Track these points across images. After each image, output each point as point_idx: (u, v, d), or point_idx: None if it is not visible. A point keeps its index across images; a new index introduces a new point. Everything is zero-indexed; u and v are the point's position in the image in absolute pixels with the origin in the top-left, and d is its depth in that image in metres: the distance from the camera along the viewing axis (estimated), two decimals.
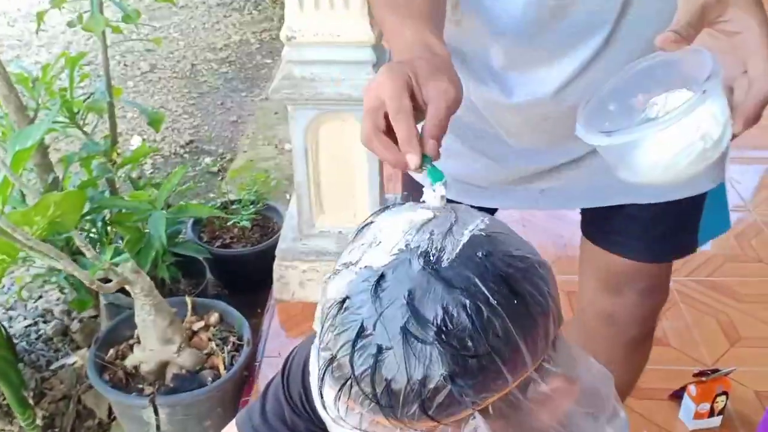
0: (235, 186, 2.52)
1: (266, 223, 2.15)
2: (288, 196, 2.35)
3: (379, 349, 0.46)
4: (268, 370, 1.72)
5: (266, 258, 1.93)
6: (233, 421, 0.82)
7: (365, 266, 0.50)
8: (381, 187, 1.82)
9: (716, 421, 1.53)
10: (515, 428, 0.50)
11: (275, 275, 1.90)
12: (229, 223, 2.06)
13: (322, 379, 0.50)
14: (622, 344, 1.11)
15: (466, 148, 0.95)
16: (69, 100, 1.73)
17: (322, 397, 0.51)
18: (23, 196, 1.63)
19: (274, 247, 1.92)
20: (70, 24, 1.73)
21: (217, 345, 1.58)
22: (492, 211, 1.06)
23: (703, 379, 1.50)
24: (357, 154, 1.74)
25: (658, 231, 0.98)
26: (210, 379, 1.50)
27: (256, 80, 3.53)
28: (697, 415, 1.51)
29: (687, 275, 2.00)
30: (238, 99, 3.35)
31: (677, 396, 1.59)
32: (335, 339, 0.49)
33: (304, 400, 0.75)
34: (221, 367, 1.54)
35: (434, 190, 0.54)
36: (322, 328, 0.51)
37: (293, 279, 1.90)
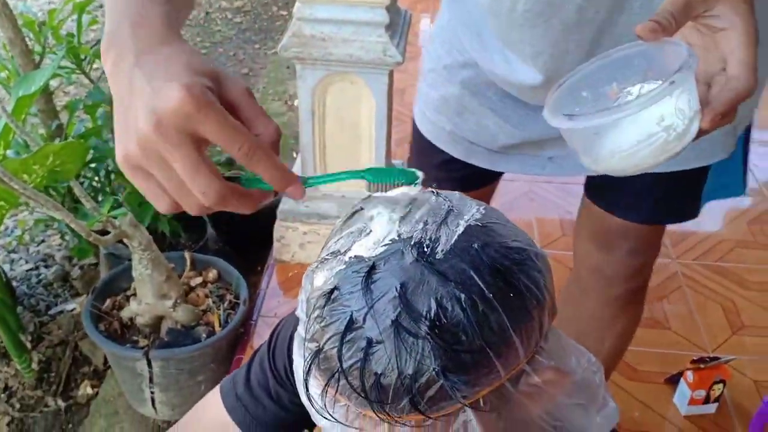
0: None
1: None
2: (294, 155, 2.33)
3: (369, 343, 0.45)
4: (264, 330, 1.73)
5: (269, 217, 1.92)
6: (217, 388, 0.81)
7: (355, 256, 0.48)
8: (388, 153, 1.78)
9: (711, 408, 1.53)
10: (506, 421, 0.49)
11: (276, 235, 1.89)
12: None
13: (308, 371, 0.49)
14: (612, 300, 1.11)
15: (479, 105, 0.94)
16: (76, 45, 1.70)
17: (307, 389, 0.50)
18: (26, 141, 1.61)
19: (276, 205, 1.91)
20: None
21: (213, 302, 1.58)
22: (498, 175, 1.05)
23: (701, 366, 1.49)
24: (365, 117, 1.70)
25: (658, 195, 0.97)
26: (204, 335, 1.51)
27: (270, 32, 3.46)
28: (692, 401, 1.51)
29: (694, 259, 1.97)
30: (250, 51, 3.30)
31: (673, 381, 1.58)
32: (322, 331, 0.47)
33: (288, 372, 0.75)
34: (216, 325, 1.54)
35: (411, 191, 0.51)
36: (308, 318, 0.49)
37: (294, 240, 1.89)
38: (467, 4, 0.88)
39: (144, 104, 0.44)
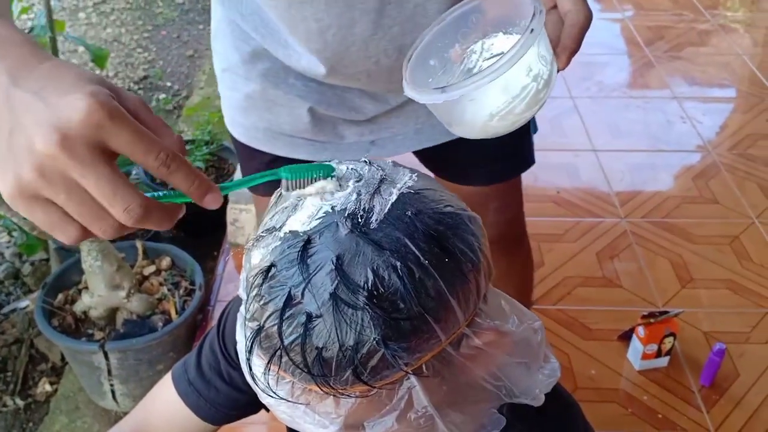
0: (191, 125, 2.45)
1: (221, 165, 2.10)
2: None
3: (309, 318, 0.45)
4: None
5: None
6: (168, 374, 0.81)
7: (290, 231, 0.47)
8: None
9: (663, 361, 1.58)
10: (449, 384, 0.50)
11: (229, 219, 1.88)
12: None
13: (250, 350, 0.49)
14: (499, 258, 1.15)
15: (285, 95, 0.88)
16: None
17: (250, 369, 0.50)
18: None
19: None
20: None
21: (168, 290, 1.56)
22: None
23: (651, 320, 1.54)
24: None
25: (499, 154, 0.99)
26: (161, 324, 1.49)
27: None
28: (645, 356, 1.56)
29: (642, 217, 2.03)
30: (195, 32, 3.22)
31: (626, 337, 1.63)
32: (262, 309, 0.47)
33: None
34: (173, 312, 1.53)
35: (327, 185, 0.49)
36: (248, 297, 0.49)
37: (248, 222, 1.87)
38: None
39: (39, 122, 0.39)
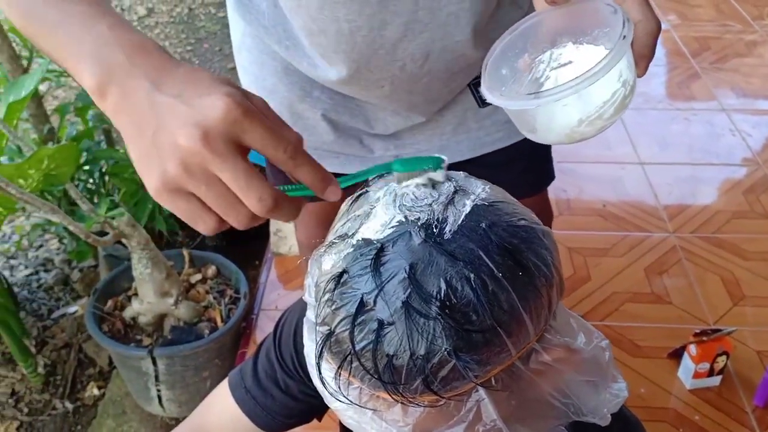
0: None
1: (265, 174, 2.12)
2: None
3: (381, 325, 0.45)
4: (265, 323, 1.73)
5: None
6: (225, 382, 0.82)
7: (363, 239, 0.48)
8: None
9: (716, 380, 1.53)
10: (518, 399, 0.49)
11: (272, 228, 1.90)
12: None
13: (320, 354, 0.49)
14: None
15: (310, 108, 0.89)
16: None
17: (320, 372, 0.50)
18: (20, 146, 1.60)
19: None
20: None
21: (214, 298, 1.59)
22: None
23: (704, 338, 1.50)
24: None
25: (518, 168, 0.98)
26: (207, 331, 1.51)
27: None
28: (697, 375, 1.52)
29: (692, 232, 1.98)
30: None
31: (676, 355, 1.59)
32: (333, 314, 0.47)
33: (296, 362, 0.75)
34: (218, 320, 1.54)
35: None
36: (318, 302, 0.49)
37: (290, 232, 1.89)
38: (256, 1, 0.83)
39: (182, 122, 0.42)
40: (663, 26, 3.39)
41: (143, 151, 0.44)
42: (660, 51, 2.92)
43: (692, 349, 1.52)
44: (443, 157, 0.50)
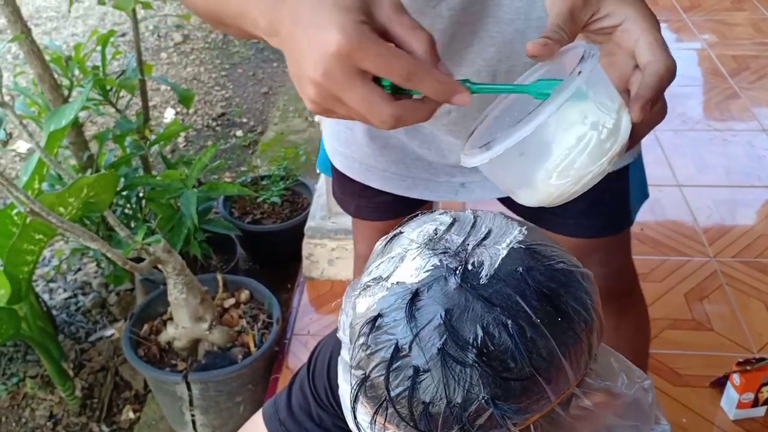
0: (265, 159, 2.52)
1: (296, 199, 2.14)
2: (318, 170, 2.34)
3: (416, 371, 0.44)
4: (298, 348, 1.73)
5: (296, 233, 1.93)
6: (259, 413, 0.82)
7: (397, 282, 0.47)
8: None
9: (761, 411, 1.48)
10: None
11: (304, 253, 1.90)
12: (259, 199, 2.07)
13: (355, 398, 0.49)
14: (606, 315, 1.08)
15: (385, 132, 0.89)
16: (101, 77, 1.73)
17: (355, 417, 0.50)
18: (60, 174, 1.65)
19: (304, 222, 1.92)
20: (101, 2, 1.72)
21: (247, 322, 1.59)
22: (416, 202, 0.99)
23: (748, 368, 1.45)
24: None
25: (586, 206, 0.92)
26: (240, 356, 1.52)
27: None
28: (741, 405, 1.46)
29: (733, 256, 1.92)
30: (269, 70, 3.33)
31: (719, 384, 1.54)
32: (368, 358, 0.47)
33: (330, 395, 0.74)
34: (251, 345, 1.55)
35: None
36: (353, 344, 0.49)
37: (322, 257, 1.89)
38: None
39: (309, 57, 0.46)
40: (698, 45, 3.30)
41: (295, 77, 0.49)
42: (696, 71, 2.86)
43: (736, 378, 1.46)
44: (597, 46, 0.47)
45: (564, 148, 0.48)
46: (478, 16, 0.73)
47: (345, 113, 0.48)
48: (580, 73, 0.45)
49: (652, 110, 0.50)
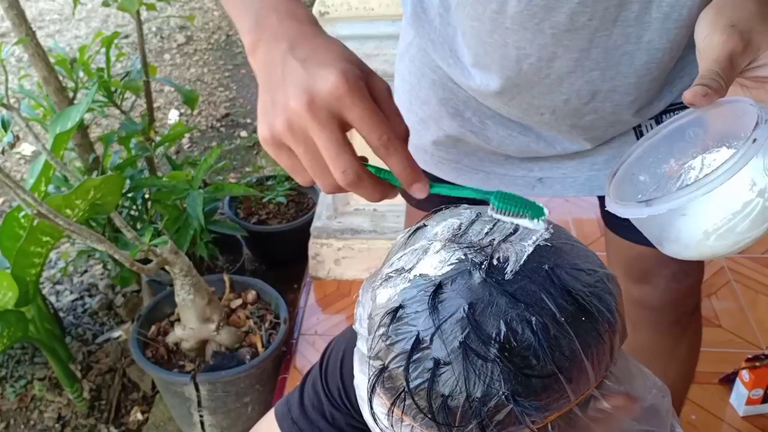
0: (270, 160, 2.52)
1: (301, 199, 2.14)
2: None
3: (437, 364, 0.44)
4: (305, 348, 1.73)
5: (302, 233, 1.93)
6: (271, 412, 0.82)
7: (420, 274, 0.47)
8: None
9: None
10: None
11: (310, 253, 1.90)
12: (264, 200, 2.07)
13: (372, 389, 0.48)
14: (667, 330, 1.06)
15: (459, 127, 0.88)
16: (106, 79, 1.73)
17: (371, 407, 0.49)
18: (66, 176, 1.65)
19: (309, 222, 1.92)
20: (105, 3, 1.72)
21: (254, 323, 1.59)
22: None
23: (757, 364, 1.45)
24: None
25: None
26: (248, 356, 1.52)
27: None
28: (750, 401, 1.46)
29: (741, 253, 1.92)
30: None
31: (728, 380, 1.53)
32: (387, 349, 0.47)
33: (342, 394, 0.74)
34: (259, 345, 1.55)
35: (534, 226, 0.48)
36: (372, 335, 0.49)
37: (328, 257, 1.89)
38: (431, 16, 0.82)
39: (297, 86, 0.46)
40: None
41: (265, 103, 0.49)
42: None
43: (745, 374, 1.46)
44: (546, 210, 0.48)
45: (728, 213, 0.48)
46: (585, 46, 0.72)
47: (302, 154, 0.48)
48: (755, 140, 0.45)
49: None
